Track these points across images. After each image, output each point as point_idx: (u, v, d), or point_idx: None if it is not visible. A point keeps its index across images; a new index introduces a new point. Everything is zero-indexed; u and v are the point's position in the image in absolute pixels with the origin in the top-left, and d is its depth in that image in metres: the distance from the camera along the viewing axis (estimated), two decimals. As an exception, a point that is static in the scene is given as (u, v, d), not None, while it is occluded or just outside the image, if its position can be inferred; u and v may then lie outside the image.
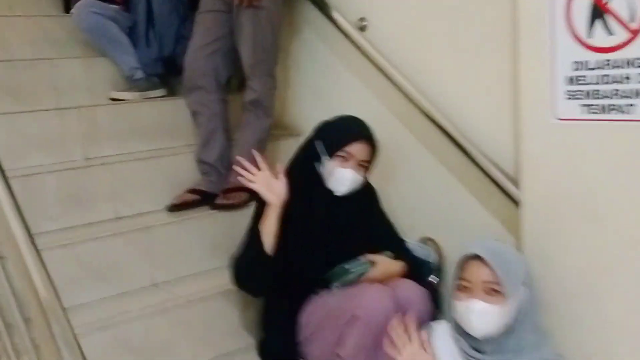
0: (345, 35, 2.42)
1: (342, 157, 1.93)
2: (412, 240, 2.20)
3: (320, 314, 1.88)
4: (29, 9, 3.04)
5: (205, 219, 2.32)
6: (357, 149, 1.94)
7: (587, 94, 1.67)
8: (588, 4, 1.63)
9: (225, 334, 2.09)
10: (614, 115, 1.62)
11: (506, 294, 1.60)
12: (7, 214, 1.49)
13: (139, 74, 2.75)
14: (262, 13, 2.35)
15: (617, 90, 1.61)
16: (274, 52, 2.44)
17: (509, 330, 1.63)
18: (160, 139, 2.60)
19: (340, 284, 1.86)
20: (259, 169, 1.95)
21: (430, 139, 2.20)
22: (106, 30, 2.76)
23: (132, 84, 2.74)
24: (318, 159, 1.97)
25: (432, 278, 2.10)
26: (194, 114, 2.49)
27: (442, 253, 2.20)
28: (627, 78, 1.59)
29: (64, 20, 2.95)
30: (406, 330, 1.66)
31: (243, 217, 2.11)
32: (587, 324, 1.74)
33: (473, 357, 1.65)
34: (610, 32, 1.61)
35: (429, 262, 2.15)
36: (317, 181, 1.98)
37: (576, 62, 1.67)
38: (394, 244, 2.05)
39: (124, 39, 2.78)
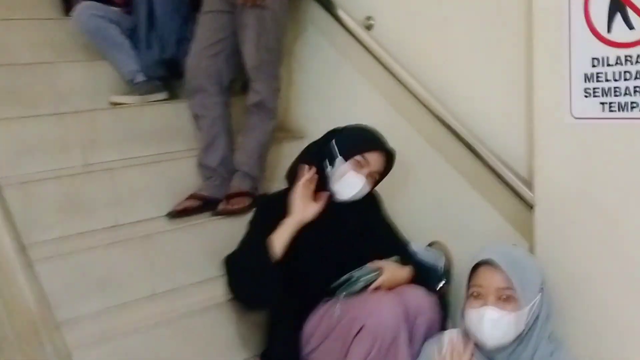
0: (352, 34, 2.35)
1: (358, 162, 1.88)
2: (420, 244, 2.12)
3: (327, 324, 1.80)
4: (29, 11, 2.99)
5: (207, 226, 2.25)
6: (374, 158, 1.90)
7: (607, 92, 1.60)
8: (607, -4, 1.55)
9: (228, 345, 2.02)
10: (635, 114, 1.54)
11: (521, 301, 1.53)
12: (-3, 224, 1.42)
13: (140, 77, 2.70)
14: (266, 13, 2.29)
15: (638, 87, 1.52)
16: (278, 53, 2.38)
17: (523, 339, 1.57)
18: (161, 143, 2.54)
19: (347, 293, 1.78)
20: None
21: (440, 140, 2.14)
22: (107, 33, 2.71)
23: (133, 87, 2.69)
24: (329, 159, 1.90)
25: (441, 283, 2.02)
26: (196, 117, 2.43)
27: (450, 257, 2.13)
28: (649, 74, 1.51)
29: (64, 23, 2.90)
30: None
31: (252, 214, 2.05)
32: (604, 331, 1.67)
33: (486, 367, 1.58)
34: (630, 26, 1.53)
35: (437, 266, 2.08)
36: (323, 183, 1.91)
37: (595, 58, 1.59)
38: (400, 249, 1.99)
39: (125, 42, 2.73)
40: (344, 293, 1.78)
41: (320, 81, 2.63)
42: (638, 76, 1.53)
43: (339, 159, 1.89)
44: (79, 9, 2.72)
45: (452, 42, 2.10)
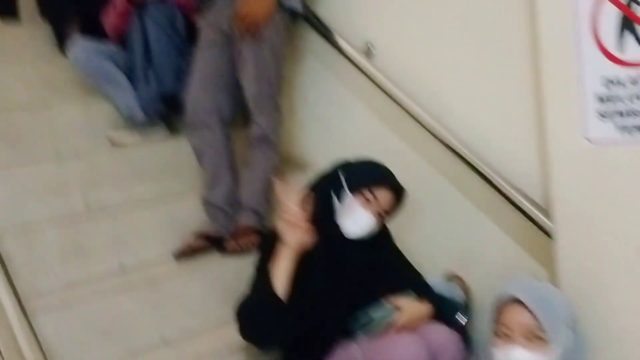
0: (351, 61, 2.32)
1: (366, 198, 1.80)
2: (435, 278, 2.05)
3: (349, 368, 1.73)
4: (23, 52, 2.97)
5: (214, 266, 2.20)
6: (383, 195, 1.82)
7: (621, 113, 1.54)
8: (616, 13, 1.50)
9: (241, 392, 1.95)
10: (652, 136, 1.49)
11: (549, 339, 1.46)
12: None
13: (139, 114, 2.64)
14: (264, 44, 2.25)
15: (655, 108, 1.48)
16: (278, 84, 2.33)
17: (552, 379, 1.49)
18: (163, 181, 2.50)
19: (365, 334, 1.71)
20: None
21: (447, 166, 2.08)
22: (103, 70, 2.66)
23: (132, 124, 2.63)
24: (336, 193, 1.84)
25: (460, 318, 1.95)
26: (198, 154, 2.38)
27: (468, 290, 2.06)
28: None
29: (60, 62, 2.88)
30: None
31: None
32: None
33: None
34: (642, 44, 1.48)
35: (455, 300, 2.01)
36: (330, 217, 1.84)
37: (606, 78, 1.54)
38: (416, 284, 1.91)
39: (122, 79, 2.67)
40: (363, 334, 1.71)
41: (321, 110, 2.59)
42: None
43: (347, 194, 1.82)
44: (74, 47, 2.68)
45: (455, 66, 2.06)
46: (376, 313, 1.72)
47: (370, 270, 1.87)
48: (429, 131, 2.07)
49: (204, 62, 2.37)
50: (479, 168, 1.94)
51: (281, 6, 2.28)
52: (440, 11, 2.07)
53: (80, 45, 2.69)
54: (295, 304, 1.74)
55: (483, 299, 2.00)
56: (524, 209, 1.82)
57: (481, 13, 1.94)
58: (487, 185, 1.92)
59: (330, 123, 2.55)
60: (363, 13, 2.33)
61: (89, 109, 2.69)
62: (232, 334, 1.92)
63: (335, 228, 1.83)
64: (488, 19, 1.93)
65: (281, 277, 1.73)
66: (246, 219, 2.31)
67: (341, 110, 2.49)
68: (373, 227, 1.83)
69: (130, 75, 2.70)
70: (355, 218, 1.81)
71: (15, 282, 1.93)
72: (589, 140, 1.59)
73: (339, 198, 1.82)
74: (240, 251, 2.21)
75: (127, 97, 2.66)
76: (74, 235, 2.13)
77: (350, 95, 2.43)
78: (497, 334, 1.51)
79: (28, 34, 3.17)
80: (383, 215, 1.85)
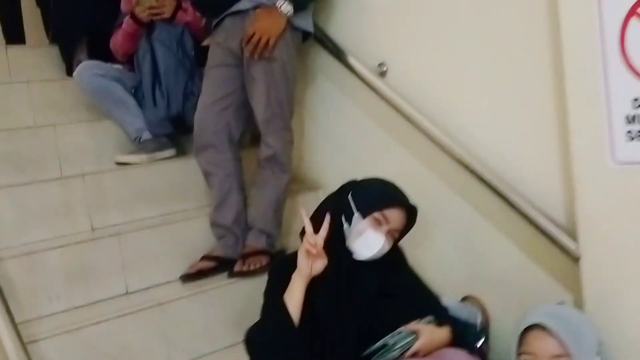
0: (364, 81, 2.28)
1: (377, 219, 1.74)
2: (452, 300, 1.99)
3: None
4: (30, 74, 2.94)
5: (223, 289, 2.13)
6: (394, 216, 1.76)
7: (652, 134, 1.49)
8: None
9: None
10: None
11: (576, 367, 1.39)
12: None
13: (147, 135, 2.61)
14: (275, 65, 2.21)
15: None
16: (289, 105, 2.29)
17: (581, 410, 1.42)
18: (171, 202, 2.45)
19: (381, 361, 1.64)
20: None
21: (466, 188, 2.04)
22: (110, 91, 2.64)
23: (139, 146, 2.60)
24: (345, 215, 1.78)
25: (480, 342, 1.88)
26: (207, 175, 2.33)
27: (487, 313, 2.00)
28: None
29: (67, 83, 2.85)
30: None
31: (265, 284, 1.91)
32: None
33: None
34: (673, 62, 1.43)
35: (473, 323, 1.94)
36: (340, 240, 1.78)
37: (635, 98, 1.49)
38: (433, 308, 1.83)
39: (130, 100, 2.65)
40: (378, 362, 1.64)
41: (333, 130, 2.55)
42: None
43: (357, 216, 1.76)
44: (80, 69, 2.67)
45: (473, 85, 2.02)
46: (392, 339, 1.65)
47: (383, 294, 1.79)
48: (445, 151, 2.03)
49: (213, 83, 2.33)
50: (498, 188, 1.89)
51: (292, 26, 2.25)
52: (456, 29, 2.03)
53: (87, 67, 2.67)
54: (306, 331, 1.68)
55: (502, 322, 1.94)
56: (548, 230, 1.76)
57: (500, 30, 1.91)
58: (507, 206, 1.87)
59: (342, 143, 2.51)
60: (375, 32, 2.30)
61: (95, 130, 2.66)
62: (240, 358, 1.86)
63: (345, 251, 1.77)
64: (508, 36, 1.89)
65: (295, 306, 1.67)
66: (255, 241, 2.26)
67: (353, 130, 2.45)
68: (385, 248, 1.76)
69: (137, 96, 2.68)
70: (366, 240, 1.74)
71: (17, 306, 1.91)
72: (616, 161, 1.54)
73: (348, 221, 1.77)
74: (249, 273, 2.16)
75: (134, 118, 2.64)
76: (79, 258, 2.08)
77: (362, 115, 2.39)
78: (522, 363, 1.44)
79: (34, 56, 3.16)
80: (394, 235, 1.79)
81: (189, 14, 2.68)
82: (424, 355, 1.63)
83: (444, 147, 2.04)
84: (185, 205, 2.46)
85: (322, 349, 1.70)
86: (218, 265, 2.22)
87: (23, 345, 1.34)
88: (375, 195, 1.78)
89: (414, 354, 1.63)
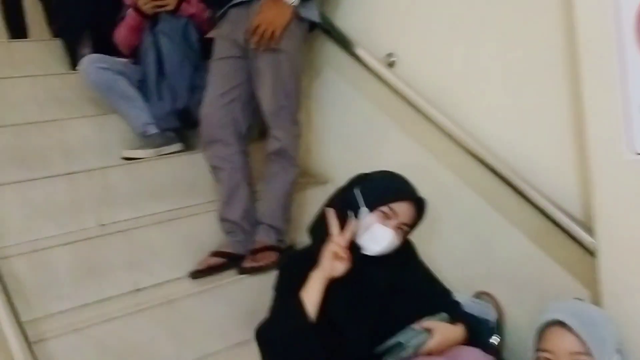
0: (373, 72, 2.24)
1: (385, 213, 1.70)
2: (465, 296, 1.96)
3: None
4: (34, 68, 2.91)
5: (233, 286, 2.12)
6: (403, 209, 1.71)
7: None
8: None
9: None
10: None
11: (598, 365, 1.35)
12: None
13: (153, 130, 2.58)
14: (282, 56, 2.17)
15: None
16: (296, 98, 2.25)
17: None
18: (178, 198, 2.43)
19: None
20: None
21: (479, 181, 1.99)
22: (115, 85, 2.60)
23: (145, 140, 2.57)
24: (353, 210, 1.74)
25: (494, 339, 1.86)
26: (214, 169, 2.31)
27: (501, 309, 1.96)
28: None
29: (71, 77, 2.82)
30: None
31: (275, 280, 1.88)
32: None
33: None
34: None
35: (487, 320, 1.91)
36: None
37: (655, 88, 1.45)
38: (447, 304, 1.80)
39: (135, 94, 2.62)
40: (391, 360, 1.61)
41: (341, 123, 2.51)
42: None
43: (364, 210, 1.71)
44: (85, 63, 2.62)
45: (484, 74, 1.97)
46: (405, 337, 1.61)
47: (394, 290, 1.75)
48: (456, 142, 1.99)
49: (219, 76, 2.30)
50: (511, 181, 1.85)
51: (298, 17, 2.21)
52: (467, 17, 1.99)
53: (91, 60, 2.63)
54: (320, 329, 1.65)
55: (517, 318, 1.91)
56: (563, 224, 1.72)
57: (513, 18, 1.85)
58: (521, 199, 1.83)
59: (350, 135, 2.48)
60: (384, 22, 2.26)
61: (101, 125, 2.62)
62: (250, 355, 1.84)
63: (354, 246, 1.73)
64: (520, 24, 1.84)
65: (312, 304, 1.64)
66: (264, 236, 2.24)
67: (361, 123, 2.42)
68: (394, 242, 1.72)
69: (143, 90, 2.64)
70: (374, 235, 1.70)
71: (25, 305, 1.89)
72: (633, 152, 1.50)
73: (356, 215, 1.73)
74: (258, 269, 2.14)
75: (140, 112, 2.61)
76: (87, 255, 2.06)
77: (371, 107, 2.36)
78: (540, 361, 1.41)
79: (38, 50, 3.13)
80: (404, 229, 1.75)
81: (192, 6, 2.64)
82: (438, 354, 1.60)
83: (454, 139, 2.00)
84: (193, 201, 2.44)
85: (334, 346, 1.67)
86: (227, 261, 2.20)
87: (29, 344, 1.32)
88: (383, 189, 1.74)
89: (428, 352, 1.60)
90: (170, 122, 2.60)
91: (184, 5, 2.62)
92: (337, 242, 1.66)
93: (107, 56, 2.67)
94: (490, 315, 1.90)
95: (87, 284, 2.04)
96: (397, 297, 1.74)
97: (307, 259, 1.72)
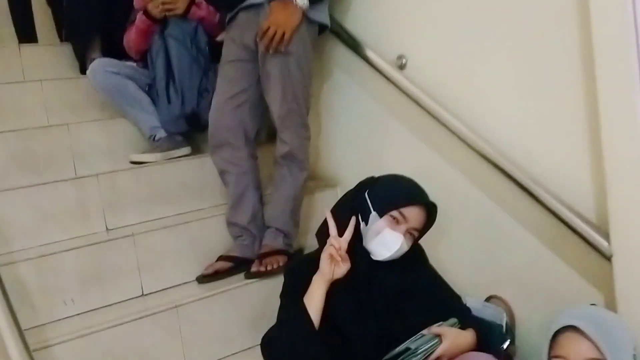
0: (383, 75, 2.22)
1: (394, 218, 1.67)
2: (476, 300, 1.92)
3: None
4: (43, 72, 2.90)
5: (240, 290, 2.09)
6: (413, 214, 1.68)
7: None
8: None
9: None
10: None
11: (611, 370, 1.32)
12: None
13: (161, 133, 2.57)
14: (291, 59, 2.15)
15: None
16: (305, 100, 2.23)
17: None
18: (186, 201, 2.41)
19: (403, 366, 1.58)
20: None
21: (492, 184, 1.96)
22: (124, 89, 2.60)
23: (154, 144, 2.55)
24: (362, 215, 1.71)
25: (506, 345, 1.81)
26: (222, 173, 2.29)
27: (512, 313, 1.93)
28: None
29: (80, 82, 2.82)
30: None
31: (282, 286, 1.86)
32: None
33: None
34: None
35: (498, 324, 1.87)
36: (357, 240, 1.71)
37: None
38: (457, 309, 1.76)
39: (143, 97, 2.61)
40: (400, 367, 1.58)
41: (351, 126, 2.49)
42: None
43: (373, 215, 1.68)
44: (93, 67, 2.62)
45: (496, 76, 1.94)
46: (415, 343, 1.58)
47: (403, 295, 1.72)
48: (468, 145, 1.96)
49: (228, 79, 2.28)
50: (523, 184, 1.81)
51: (308, 19, 2.19)
52: (479, 18, 1.95)
53: (100, 64, 2.63)
54: (325, 334, 1.62)
55: (529, 323, 1.87)
56: (577, 228, 1.68)
57: (526, 19, 1.82)
58: (534, 202, 1.79)
59: (360, 138, 2.45)
60: (394, 24, 2.24)
61: (109, 129, 2.62)
62: (259, 360, 1.82)
63: (363, 251, 1.71)
64: (534, 24, 1.80)
65: (315, 309, 1.62)
66: (272, 240, 2.22)
67: (371, 125, 2.39)
68: (403, 248, 1.69)
69: (152, 93, 2.64)
70: (383, 240, 1.67)
71: (31, 310, 1.88)
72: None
73: (365, 220, 1.70)
74: (266, 274, 2.12)
75: (148, 116, 2.60)
76: (94, 260, 2.05)
77: (381, 109, 2.33)
78: (554, 367, 1.37)
79: (48, 55, 3.13)
80: (414, 234, 1.72)
81: (202, 9, 2.62)
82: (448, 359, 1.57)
83: (466, 142, 1.97)
84: (201, 205, 2.42)
85: (342, 352, 1.64)
86: (235, 265, 2.19)
87: (29, 353, 1.29)
88: (392, 193, 1.71)
89: (438, 358, 1.57)
90: (178, 125, 2.59)
91: (193, 9, 2.61)
92: (333, 244, 1.64)
93: (116, 60, 2.67)
94: (502, 319, 1.86)
95: (94, 289, 2.02)
96: (407, 302, 1.71)
97: (313, 264, 1.69)
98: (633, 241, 1.52)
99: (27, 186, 2.17)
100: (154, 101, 2.62)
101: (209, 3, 2.58)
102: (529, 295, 1.87)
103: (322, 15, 2.26)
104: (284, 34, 2.10)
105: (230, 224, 2.26)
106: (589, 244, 1.65)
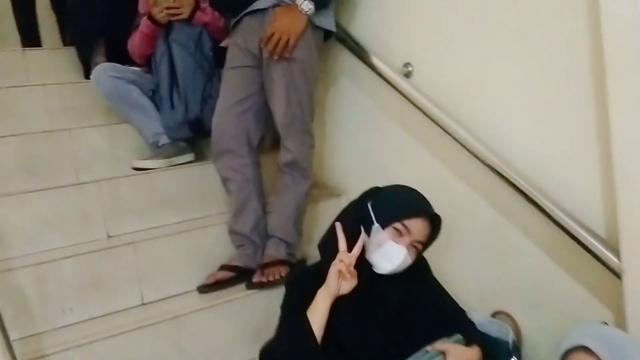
0: (389, 82, 2.18)
1: (398, 230, 1.63)
2: (482, 315, 1.88)
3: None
4: (46, 77, 2.89)
5: (241, 301, 2.06)
6: (417, 226, 1.63)
7: None
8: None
9: None
10: None
11: (623, 394, 1.27)
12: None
13: (164, 140, 2.54)
14: (295, 66, 2.12)
15: None
16: (309, 108, 2.20)
17: None
18: (188, 209, 2.38)
19: (409, 384, 1.54)
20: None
21: (498, 196, 1.92)
22: (127, 94, 2.57)
23: (157, 150, 2.53)
24: (364, 226, 1.67)
25: (512, 362, 1.78)
26: (225, 180, 2.26)
27: (519, 330, 1.88)
28: None
29: (84, 86, 2.79)
30: None
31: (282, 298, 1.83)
32: None
33: None
34: None
35: (504, 341, 1.82)
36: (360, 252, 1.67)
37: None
38: (462, 324, 1.72)
39: (147, 103, 2.59)
40: (404, 384, 1.54)
41: (356, 134, 2.46)
42: None
43: (376, 227, 1.64)
44: (97, 71, 2.60)
45: (504, 85, 1.90)
46: (419, 359, 1.55)
47: (407, 309, 1.68)
48: (474, 156, 1.92)
49: (232, 85, 2.25)
50: (531, 197, 1.77)
51: (313, 25, 2.16)
52: (486, 26, 1.92)
53: (103, 69, 2.61)
54: (327, 349, 1.58)
55: (536, 340, 1.83)
56: (587, 244, 1.64)
57: (534, 27, 1.78)
58: (542, 216, 1.75)
59: (365, 147, 2.42)
60: (400, 31, 2.21)
61: (112, 134, 2.60)
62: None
63: (365, 264, 1.66)
64: (543, 33, 1.77)
65: (318, 323, 1.58)
66: (274, 250, 2.19)
67: (376, 134, 2.36)
68: (407, 261, 1.64)
69: (155, 99, 2.61)
70: (386, 252, 1.62)
71: (29, 319, 1.86)
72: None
73: (367, 232, 1.66)
74: (268, 285, 2.09)
75: (152, 122, 2.58)
76: (93, 268, 2.02)
77: (387, 118, 2.30)
78: (562, 388, 1.33)
79: (52, 59, 3.12)
80: (417, 247, 1.67)
81: (207, 14, 2.60)
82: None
83: (473, 152, 1.93)
84: (203, 212, 2.40)
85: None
86: (236, 275, 2.16)
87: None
88: (396, 205, 1.66)
89: (442, 376, 1.53)
90: (182, 132, 2.56)
91: (198, 14, 2.58)
92: (343, 259, 1.60)
93: (119, 65, 2.65)
94: (507, 336, 1.82)
95: (93, 297, 2.00)
96: (410, 316, 1.67)
97: (315, 276, 1.66)
98: (644, 258, 1.48)
99: (28, 191, 2.15)
100: (158, 107, 2.59)
101: (213, 8, 2.55)
102: (536, 312, 1.83)
103: (327, 21, 2.23)
104: (288, 40, 2.07)
105: (232, 232, 2.23)
106: (599, 261, 1.61)
